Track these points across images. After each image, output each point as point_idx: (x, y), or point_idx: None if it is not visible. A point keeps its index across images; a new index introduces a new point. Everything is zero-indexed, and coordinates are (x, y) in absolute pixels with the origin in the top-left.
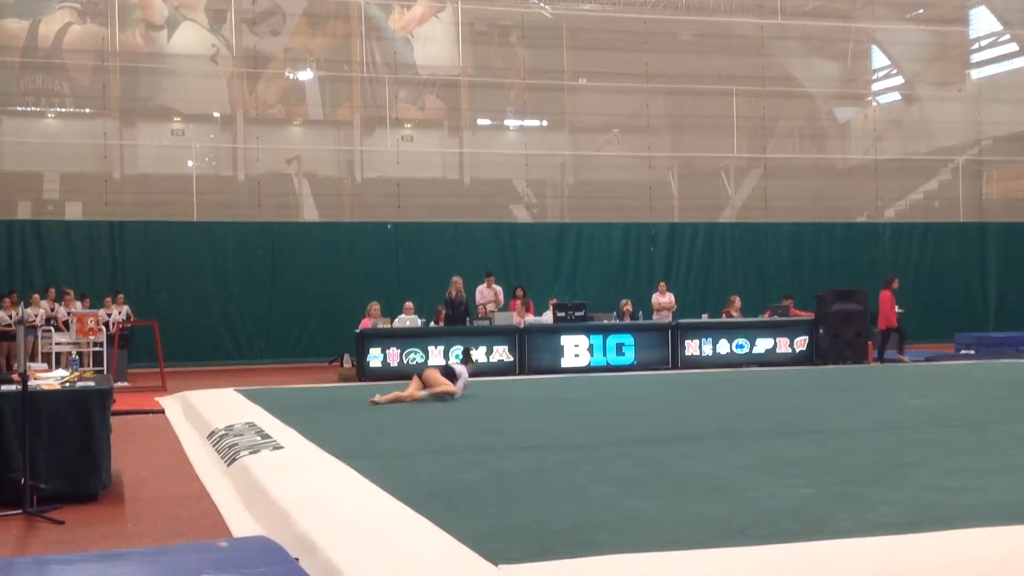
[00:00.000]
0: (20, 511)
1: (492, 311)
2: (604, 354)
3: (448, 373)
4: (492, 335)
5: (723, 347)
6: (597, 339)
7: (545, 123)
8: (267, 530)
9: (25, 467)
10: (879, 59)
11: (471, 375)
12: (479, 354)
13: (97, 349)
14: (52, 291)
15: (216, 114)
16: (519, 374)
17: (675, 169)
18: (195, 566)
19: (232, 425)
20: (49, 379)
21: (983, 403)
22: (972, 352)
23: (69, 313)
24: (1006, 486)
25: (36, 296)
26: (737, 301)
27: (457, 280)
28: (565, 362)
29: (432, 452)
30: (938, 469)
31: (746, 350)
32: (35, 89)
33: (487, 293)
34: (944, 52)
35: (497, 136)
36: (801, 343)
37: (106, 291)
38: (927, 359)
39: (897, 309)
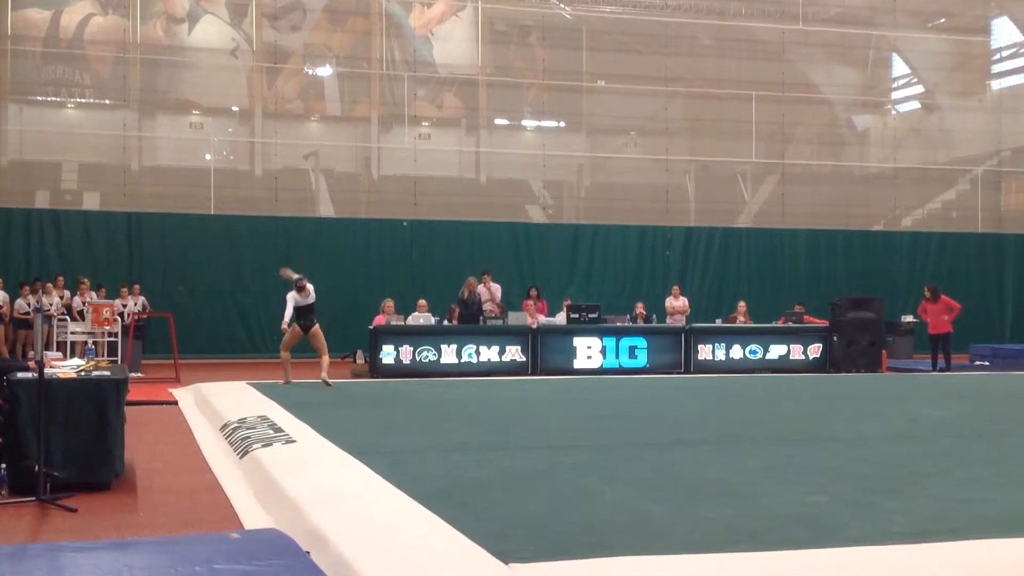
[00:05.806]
0: (33, 498)
1: (491, 310)
2: (617, 356)
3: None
4: (505, 335)
5: (736, 352)
6: (610, 341)
7: (563, 124)
8: (279, 523)
9: (39, 455)
10: (899, 67)
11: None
12: (491, 353)
13: (112, 339)
14: (61, 279)
15: (235, 108)
16: (531, 374)
17: (692, 173)
18: (207, 557)
19: (245, 418)
20: (65, 368)
21: (998, 414)
22: (987, 364)
23: (84, 303)
24: (1020, 497)
25: (51, 285)
26: (743, 306)
27: (472, 281)
28: (578, 364)
29: (443, 450)
30: (952, 479)
31: (759, 356)
32: (55, 79)
33: (484, 292)
34: (965, 62)
35: (514, 136)
36: (815, 350)
37: (122, 282)
38: (941, 370)
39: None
